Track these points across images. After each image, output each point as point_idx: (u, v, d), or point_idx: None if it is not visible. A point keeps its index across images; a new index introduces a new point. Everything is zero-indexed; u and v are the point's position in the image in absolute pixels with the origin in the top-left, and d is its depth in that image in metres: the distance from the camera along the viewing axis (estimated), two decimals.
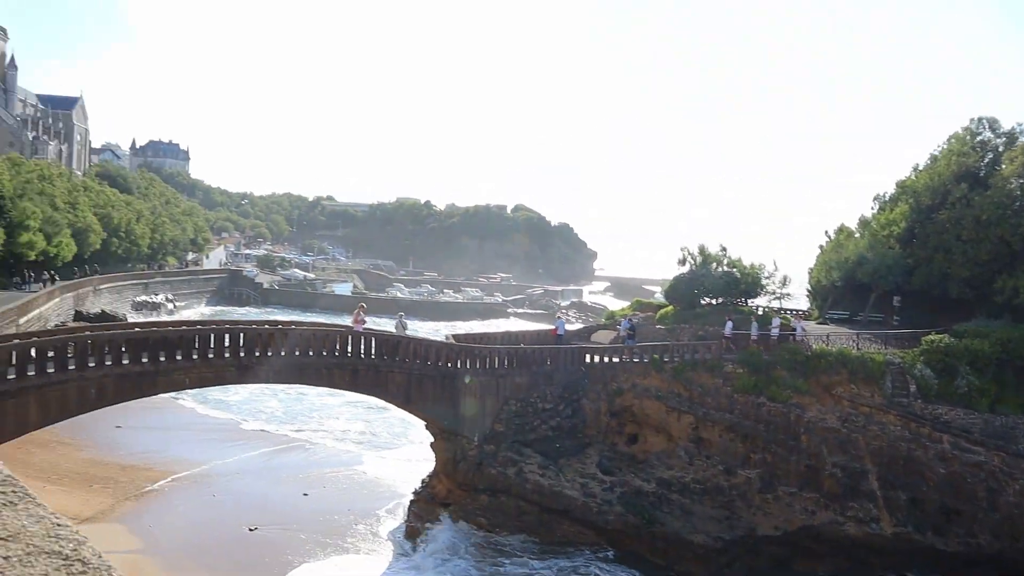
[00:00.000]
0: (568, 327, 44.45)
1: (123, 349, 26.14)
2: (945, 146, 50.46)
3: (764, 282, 43.61)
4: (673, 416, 38.52)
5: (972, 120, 49.74)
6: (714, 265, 44.33)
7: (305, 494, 38.74)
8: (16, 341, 26.20)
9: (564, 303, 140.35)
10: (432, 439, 38.28)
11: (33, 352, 24.64)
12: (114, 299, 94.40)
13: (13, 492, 3.46)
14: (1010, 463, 35.39)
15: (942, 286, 45.73)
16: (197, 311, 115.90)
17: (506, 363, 37.41)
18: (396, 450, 47.37)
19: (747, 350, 38.85)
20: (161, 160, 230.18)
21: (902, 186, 50.58)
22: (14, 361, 24.03)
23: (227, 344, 28.57)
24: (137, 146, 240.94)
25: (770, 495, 35.76)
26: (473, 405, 36.06)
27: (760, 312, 42.80)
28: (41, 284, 69.04)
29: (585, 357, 40.23)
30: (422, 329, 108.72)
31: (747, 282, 42.71)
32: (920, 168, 51.54)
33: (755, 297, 43.88)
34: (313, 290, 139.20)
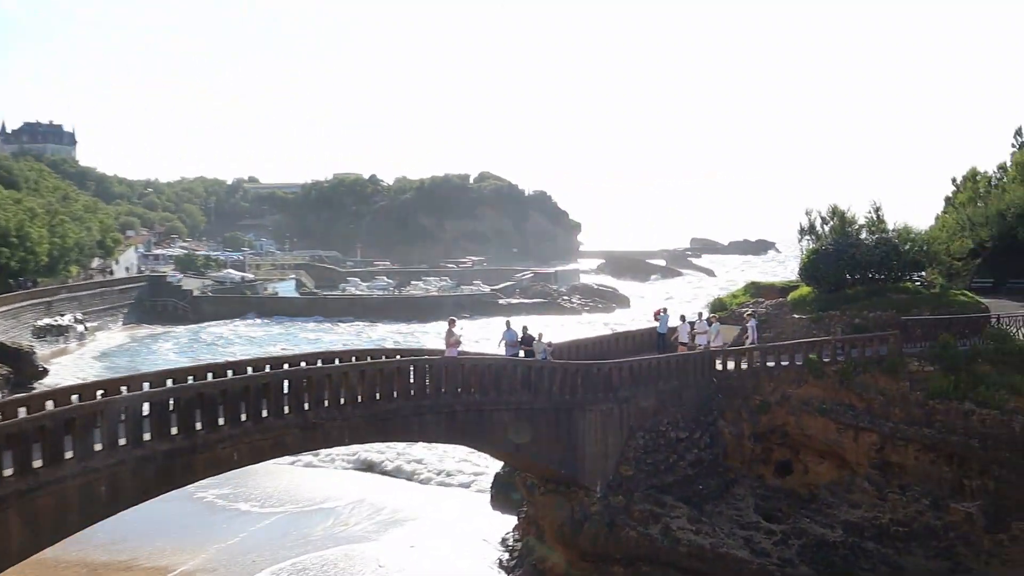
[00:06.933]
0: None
1: (144, 417, 20.13)
2: None
3: (936, 248, 38.54)
4: (848, 436, 33.55)
5: None
6: (860, 231, 39.22)
7: None
8: None
9: (562, 287, 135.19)
10: (530, 493, 32.84)
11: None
12: (11, 326, 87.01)
13: None
14: None
15: None
16: (115, 333, 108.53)
17: (629, 382, 32.02)
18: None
19: (940, 339, 33.92)
20: (42, 146, 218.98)
21: None
22: None
23: (286, 395, 22.73)
24: (8, 130, 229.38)
25: (1003, 535, 30.94)
26: (594, 443, 30.67)
27: (931, 290, 37.80)
28: None
29: (715, 364, 34.99)
30: (395, 336, 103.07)
31: (913, 251, 37.63)
32: None
33: (924, 269, 38.85)
34: (253, 293, 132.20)
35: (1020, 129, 50.57)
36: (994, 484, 31.78)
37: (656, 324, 38.62)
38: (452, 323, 29.08)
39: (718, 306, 42.10)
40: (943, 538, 31.26)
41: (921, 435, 32.68)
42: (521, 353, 31.47)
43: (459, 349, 28.47)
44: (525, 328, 33.24)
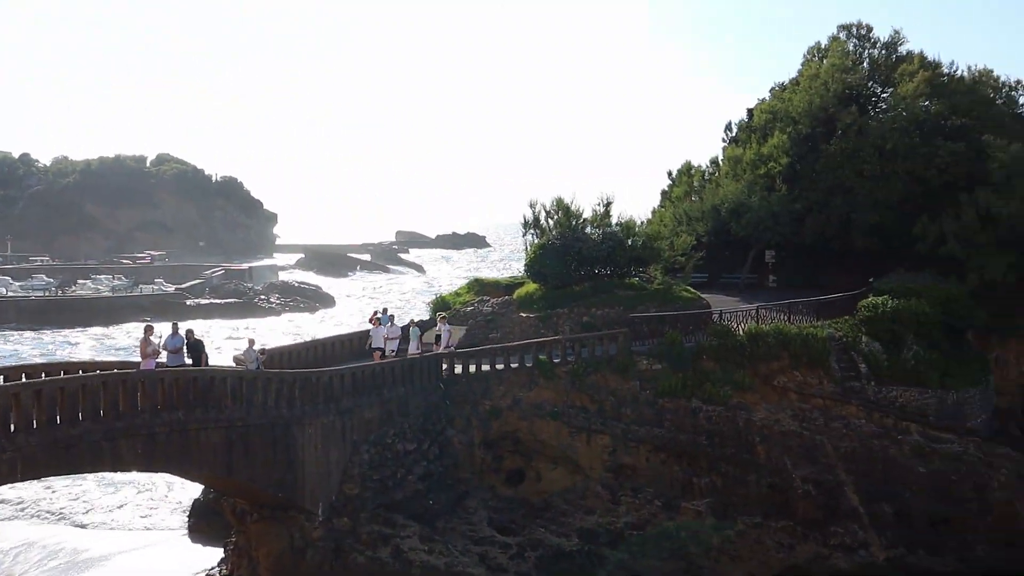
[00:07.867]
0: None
1: None
2: (814, 60, 50.95)
3: (660, 244, 40.43)
4: (580, 439, 34.63)
5: (840, 28, 50.40)
6: (585, 225, 40.46)
7: None
8: None
9: (258, 286, 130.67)
10: (241, 521, 30.90)
11: None
12: None
13: None
14: (987, 449, 35.66)
15: (842, 236, 45.93)
16: None
17: (351, 391, 30.94)
18: None
19: (667, 337, 35.62)
20: None
21: (770, 111, 50.21)
22: None
23: None
24: None
25: (730, 531, 32.96)
26: (315, 461, 29.27)
27: (654, 285, 39.66)
28: None
29: (442, 367, 34.59)
30: (51, 341, 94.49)
31: (638, 246, 39.30)
32: (785, 88, 51.72)
33: (648, 265, 40.58)
34: None
35: (730, 124, 54.54)
36: (721, 481, 33.90)
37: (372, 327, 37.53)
38: (149, 330, 26.52)
39: (441, 305, 41.88)
40: (676, 539, 32.81)
41: (652, 435, 34.27)
42: (189, 363, 28.23)
43: (159, 360, 26.12)
44: (191, 332, 29.14)
